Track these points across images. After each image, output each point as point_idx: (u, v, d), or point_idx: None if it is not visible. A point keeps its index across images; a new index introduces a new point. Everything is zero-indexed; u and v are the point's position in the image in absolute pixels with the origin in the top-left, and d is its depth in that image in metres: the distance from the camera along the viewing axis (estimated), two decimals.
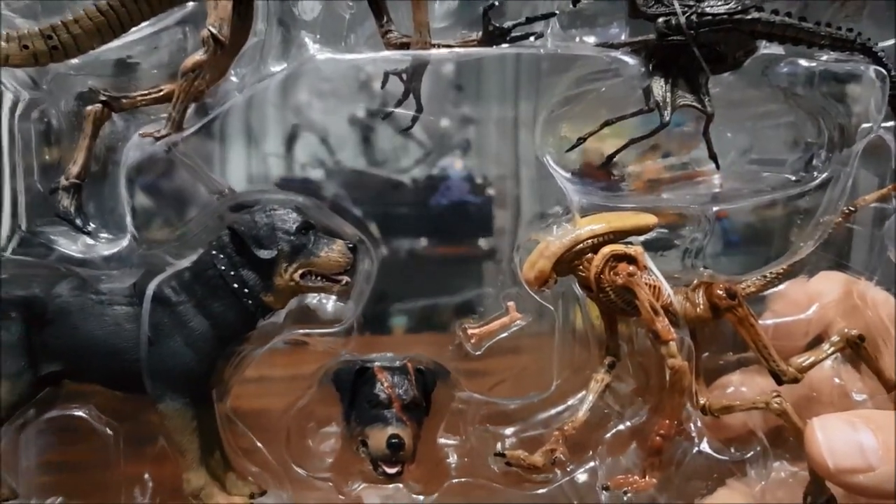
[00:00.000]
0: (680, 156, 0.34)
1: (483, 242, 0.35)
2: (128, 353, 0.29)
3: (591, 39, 0.32)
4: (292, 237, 0.29)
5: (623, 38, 0.32)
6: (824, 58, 0.33)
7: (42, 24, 0.29)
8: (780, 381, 0.31)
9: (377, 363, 0.31)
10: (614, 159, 0.34)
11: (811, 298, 0.34)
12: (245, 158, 0.34)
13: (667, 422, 0.31)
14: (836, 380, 0.33)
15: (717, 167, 0.32)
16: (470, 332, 0.31)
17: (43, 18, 0.30)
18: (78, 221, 0.29)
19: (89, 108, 0.30)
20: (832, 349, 0.32)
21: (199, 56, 0.28)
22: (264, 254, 0.28)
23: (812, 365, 0.31)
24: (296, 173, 0.36)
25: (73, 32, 0.29)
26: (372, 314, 0.31)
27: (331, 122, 0.37)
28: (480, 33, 0.32)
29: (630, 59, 0.31)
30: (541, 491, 0.31)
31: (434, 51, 0.31)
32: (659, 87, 0.30)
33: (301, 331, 0.30)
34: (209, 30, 0.28)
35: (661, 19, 0.30)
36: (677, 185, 0.33)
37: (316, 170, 0.36)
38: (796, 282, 0.34)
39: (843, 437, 0.27)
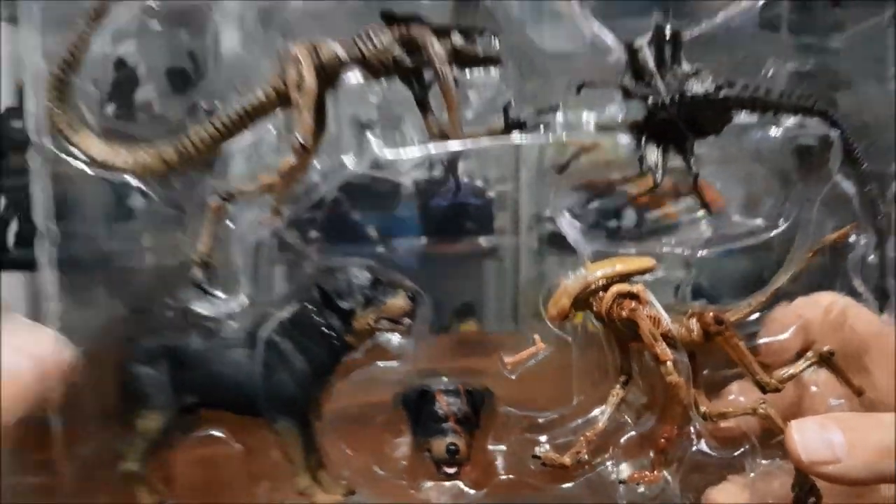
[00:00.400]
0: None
1: (483, 241, 0.43)
2: (247, 387, 0.38)
3: (593, 117, 0.41)
4: (366, 291, 0.38)
5: (620, 117, 0.40)
6: (790, 122, 0.40)
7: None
8: (764, 391, 0.38)
9: (436, 387, 0.40)
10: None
11: (795, 320, 0.41)
12: None
13: (669, 427, 0.39)
14: (814, 388, 0.41)
15: (710, 213, 0.40)
16: (506, 360, 0.39)
17: None
18: (207, 288, 0.39)
19: (212, 203, 0.39)
20: (807, 363, 0.39)
21: (291, 161, 0.37)
22: (345, 305, 0.38)
23: (791, 377, 0.38)
24: None
25: (199, 145, 0.38)
26: None
27: None
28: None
29: None
30: (569, 485, 0.40)
31: (468, 141, 0.38)
32: (652, 154, 0.38)
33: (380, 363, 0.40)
34: (298, 140, 0.37)
35: (650, 100, 0.38)
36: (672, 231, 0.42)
37: None
38: (784, 306, 0.41)
39: (814, 436, 0.34)
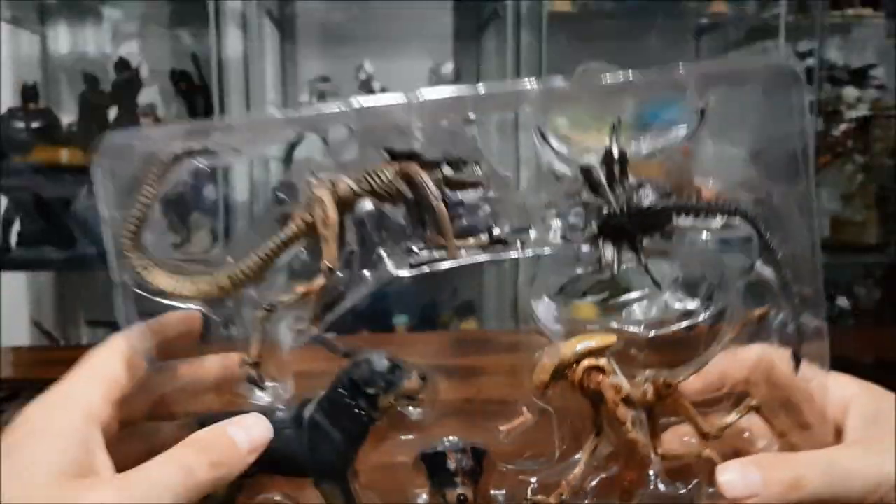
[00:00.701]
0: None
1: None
2: (297, 458, 0.49)
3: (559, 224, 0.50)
4: (386, 376, 0.49)
5: (581, 224, 0.49)
6: (717, 223, 0.49)
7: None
8: (706, 439, 0.49)
9: (448, 448, 0.51)
10: None
11: (728, 375, 0.52)
12: None
13: (631, 472, 0.50)
14: (746, 434, 0.52)
15: (659, 289, 0.51)
16: (501, 428, 0.50)
17: None
18: (259, 384, 0.50)
19: (257, 314, 0.49)
20: (739, 415, 0.50)
21: (320, 281, 0.47)
22: (371, 390, 0.49)
23: (727, 426, 0.49)
24: None
25: (248, 273, 0.48)
26: (371, 312, 0.50)
27: None
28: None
29: None
30: None
31: (461, 257, 0.48)
32: (608, 252, 0.48)
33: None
34: (326, 265, 0.47)
35: (604, 210, 0.48)
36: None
37: None
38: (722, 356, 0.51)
39: (736, 476, 0.44)
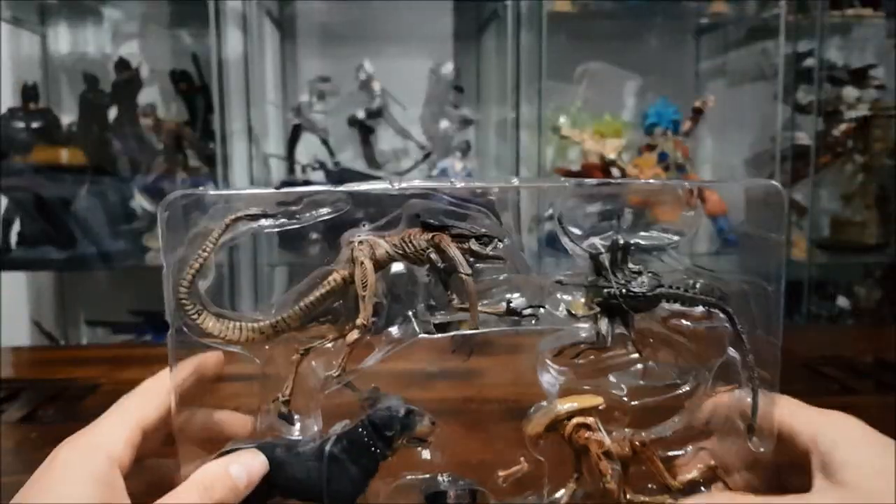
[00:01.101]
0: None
1: None
2: (316, 487, 0.55)
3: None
4: (402, 419, 0.55)
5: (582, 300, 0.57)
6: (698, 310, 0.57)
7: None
8: (670, 492, 0.57)
9: (448, 488, 0.58)
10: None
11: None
12: None
13: None
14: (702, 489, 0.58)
15: (640, 355, 0.57)
16: (499, 473, 0.58)
17: None
18: (290, 420, 0.56)
19: (294, 357, 0.56)
20: (699, 473, 0.57)
21: (354, 335, 0.54)
22: (388, 433, 0.55)
23: (690, 481, 0.57)
24: None
25: (289, 322, 0.54)
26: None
27: None
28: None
29: None
30: None
31: (481, 327, 0.55)
32: (604, 326, 0.56)
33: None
34: (361, 321, 0.53)
35: (605, 291, 0.56)
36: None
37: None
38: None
39: None
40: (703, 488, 0.58)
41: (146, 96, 2.43)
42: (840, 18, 2.64)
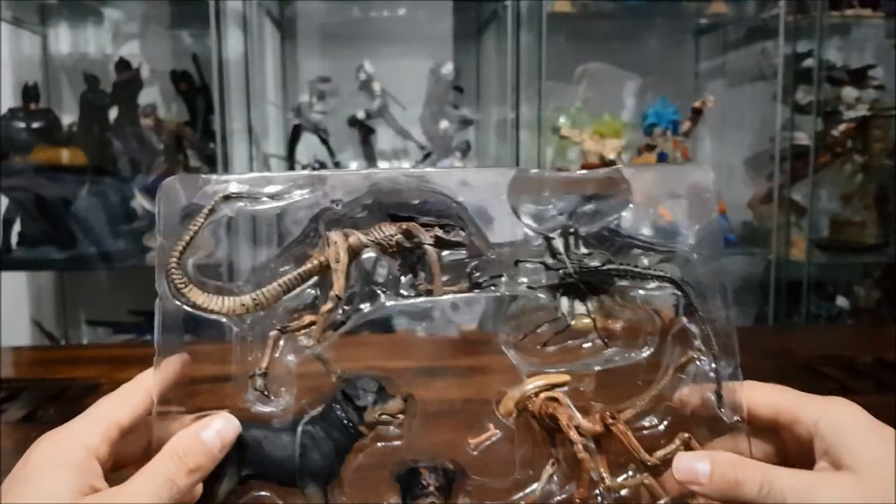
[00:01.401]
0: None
1: None
2: (288, 463, 0.56)
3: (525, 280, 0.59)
4: (374, 394, 0.57)
5: (543, 280, 0.59)
6: (652, 285, 0.58)
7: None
8: (647, 469, 0.57)
9: (420, 466, 0.59)
10: None
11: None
12: None
13: (582, 489, 0.58)
14: None
15: (606, 346, 0.59)
16: (469, 440, 0.59)
17: None
18: (265, 393, 0.57)
19: (273, 333, 0.58)
20: (675, 447, 0.57)
21: (329, 306, 0.57)
22: (361, 403, 0.57)
23: (665, 455, 0.57)
24: None
25: (268, 297, 0.57)
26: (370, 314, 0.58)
27: None
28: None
29: None
30: None
31: (447, 296, 0.58)
32: (564, 305, 0.58)
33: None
34: (335, 293, 0.56)
35: (561, 271, 0.58)
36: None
37: None
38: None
39: (690, 464, 0.52)
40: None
41: (146, 96, 2.45)
42: (839, 19, 2.64)
